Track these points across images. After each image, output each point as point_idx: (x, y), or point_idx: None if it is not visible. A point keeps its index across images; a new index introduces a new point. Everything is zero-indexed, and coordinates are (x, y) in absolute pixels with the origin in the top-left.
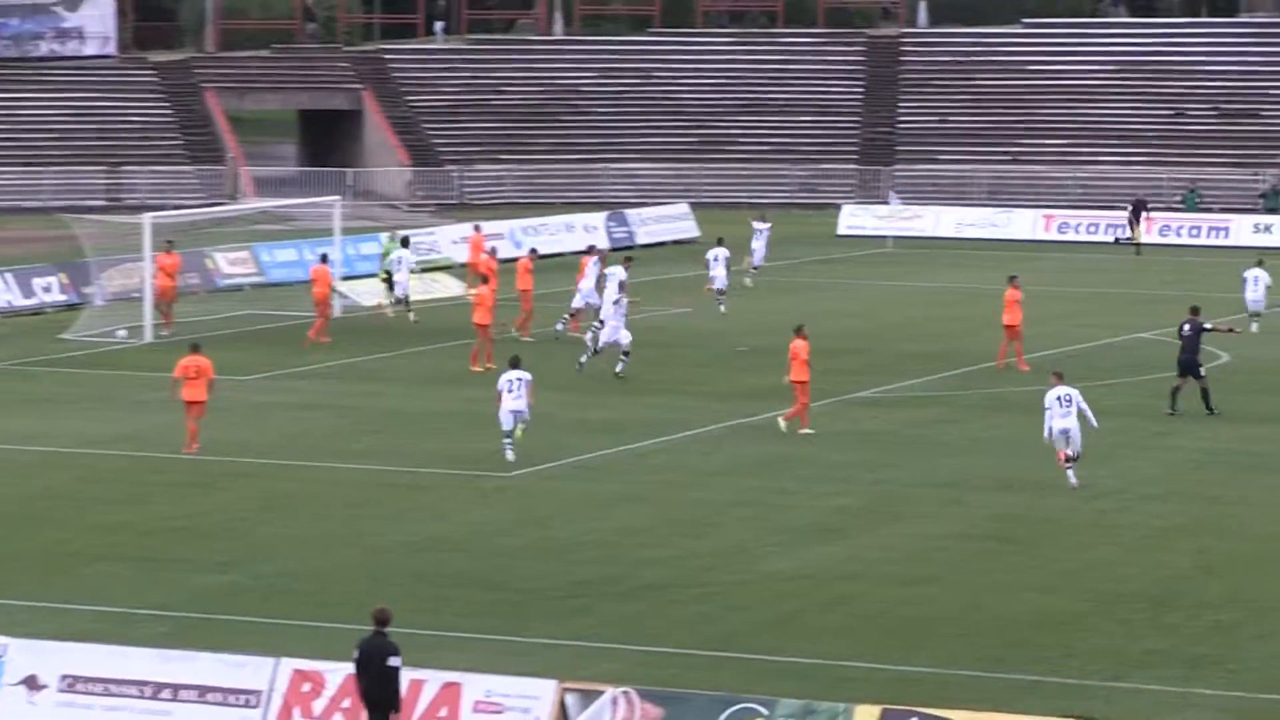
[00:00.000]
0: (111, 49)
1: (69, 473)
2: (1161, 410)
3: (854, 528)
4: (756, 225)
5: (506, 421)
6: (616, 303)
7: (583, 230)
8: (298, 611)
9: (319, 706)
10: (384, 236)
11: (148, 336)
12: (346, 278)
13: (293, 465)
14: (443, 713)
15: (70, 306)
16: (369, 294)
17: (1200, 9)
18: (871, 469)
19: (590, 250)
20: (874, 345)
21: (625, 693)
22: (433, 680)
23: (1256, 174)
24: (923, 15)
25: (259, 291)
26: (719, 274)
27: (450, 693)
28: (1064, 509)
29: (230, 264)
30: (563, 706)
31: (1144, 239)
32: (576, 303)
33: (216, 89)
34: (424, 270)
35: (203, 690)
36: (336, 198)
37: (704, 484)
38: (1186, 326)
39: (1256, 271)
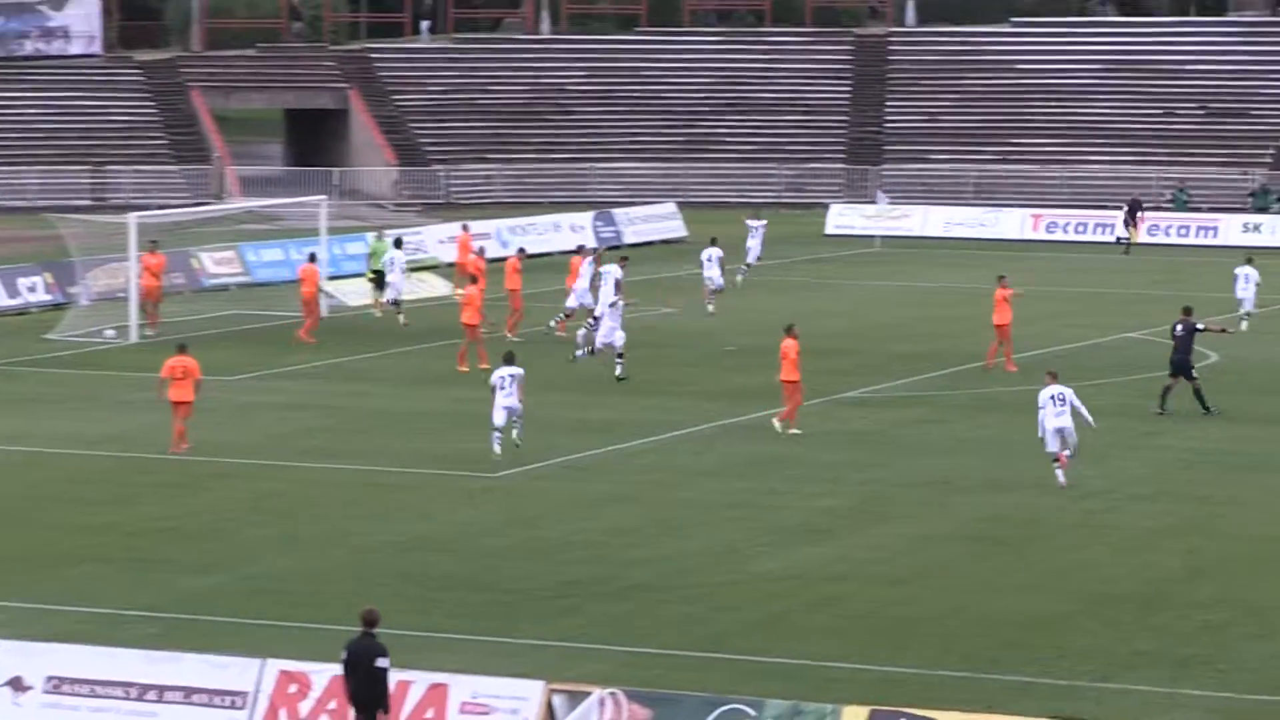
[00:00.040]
0: (97, 48)
1: (55, 473)
2: (1150, 410)
3: (842, 528)
4: (750, 223)
5: (499, 418)
6: (613, 305)
7: (570, 230)
8: (284, 612)
9: (305, 708)
10: (371, 236)
11: (133, 336)
12: (332, 278)
13: (279, 466)
14: (429, 714)
15: (55, 306)
16: (355, 294)
17: (1189, 8)
18: (860, 469)
19: (580, 250)
20: (862, 345)
21: (613, 693)
22: (419, 681)
23: (1245, 173)
24: (910, 14)
25: (244, 291)
26: (713, 274)
27: (437, 694)
28: (1053, 509)
29: (216, 264)
30: (550, 707)
31: (1137, 239)
32: (571, 303)
33: (202, 88)
34: (411, 270)
35: (188, 691)
36: (322, 197)
37: (692, 484)
38: (1179, 327)
39: (1247, 269)
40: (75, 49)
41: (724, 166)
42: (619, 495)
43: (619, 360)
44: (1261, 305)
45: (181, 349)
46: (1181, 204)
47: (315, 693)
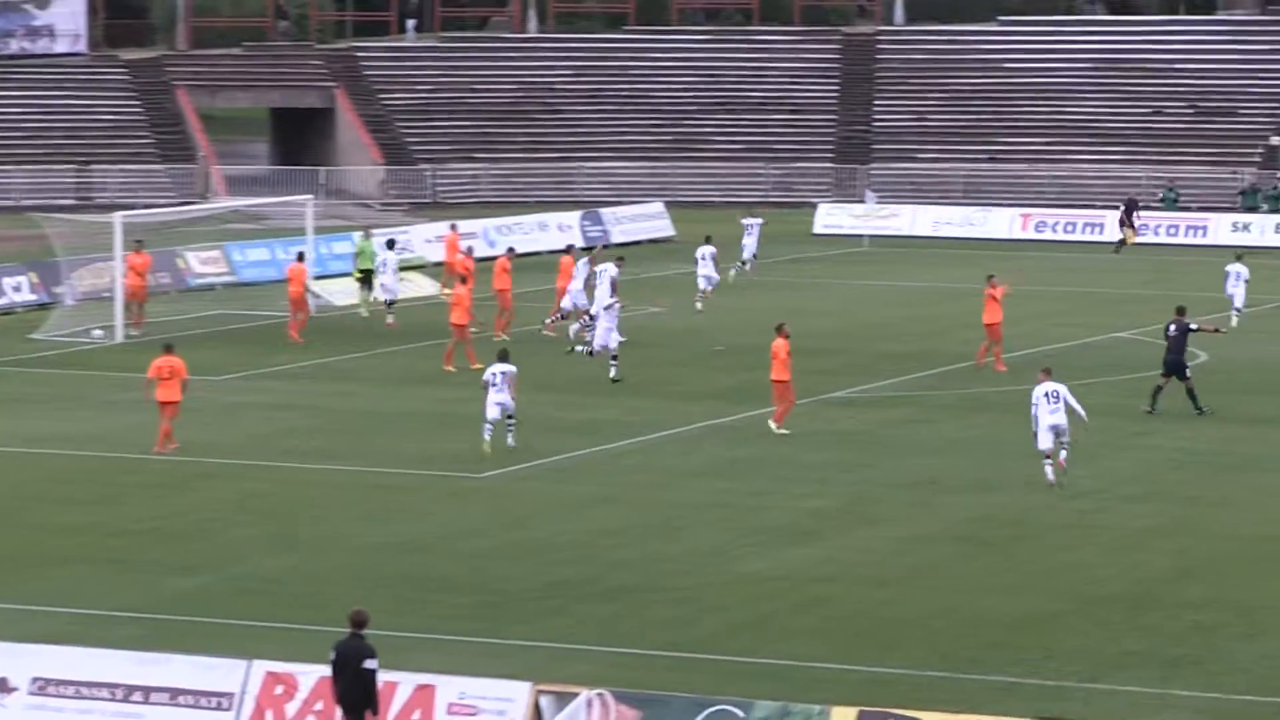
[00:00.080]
0: (82, 46)
1: (40, 473)
2: (1140, 409)
3: (830, 529)
4: (746, 221)
5: (492, 412)
6: (608, 307)
7: (557, 229)
8: (271, 613)
9: (292, 709)
10: (357, 235)
11: (119, 336)
12: (319, 277)
13: (265, 466)
14: (416, 715)
15: (41, 306)
16: (342, 294)
17: (1178, 7)
18: (848, 470)
19: (569, 249)
20: (850, 345)
21: (600, 695)
22: (406, 682)
23: (1235, 172)
24: (899, 13)
25: (230, 291)
26: (709, 272)
27: (424, 695)
28: (1042, 509)
29: (202, 263)
30: (537, 709)
31: (1123, 239)
32: (566, 304)
33: (188, 87)
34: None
35: (174, 693)
36: (309, 197)
37: (680, 485)
38: (1172, 327)
39: (1238, 266)
40: (60, 47)
41: (712, 166)
42: (606, 496)
43: (613, 362)
44: (1250, 305)
45: (168, 349)
46: (1170, 203)
47: (302, 694)
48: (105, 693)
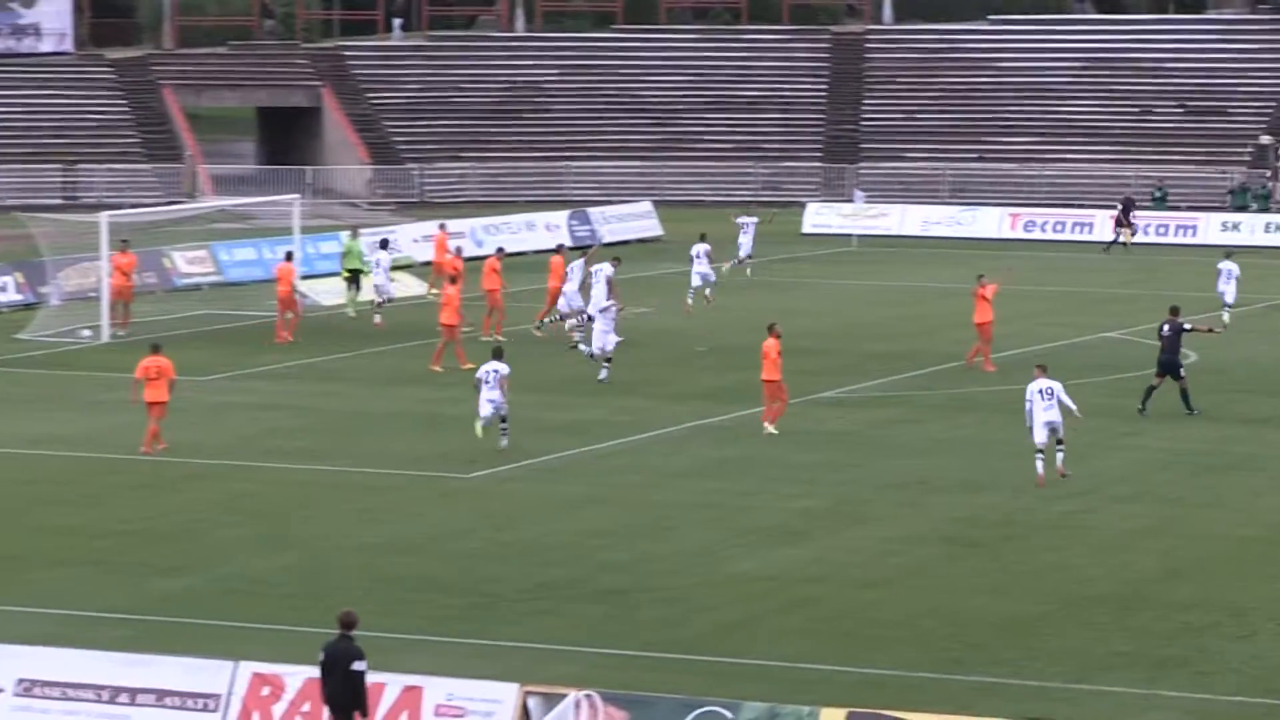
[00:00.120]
0: (68, 45)
1: (25, 474)
2: (1137, 409)
3: (818, 529)
4: (741, 220)
5: (484, 409)
6: (604, 310)
7: (545, 229)
8: (257, 614)
9: (278, 710)
10: (345, 235)
11: (105, 336)
12: (306, 277)
13: (252, 466)
14: (404, 716)
15: (26, 306)
16: (329, 293)
17: (1168, 6)
18: (836, 470)
19: (560, 249)
20: (839, 345)
21: (588, 696)
22: (393, 684)
23: (1224, 172)
24: (888, 11)
25: (217, 291)
26: (703, 270)
27: (411, 696)
28: (1030, 510)
29: (188, 263)
30: (525, 710)
31: (1122, 239)
32: (562, 306)
33: (174, 86)
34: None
35: (161, 694)
36: (296, 196)
37: (667, 485)
38: (1166, 327)
39: (1229, 264)
40: (46, 46)
41: (700, 165)
42: (595, 497)
43: (605, 365)
44: (1241, 304)
45: (155, 349)
46: (1160, 202)
47: (288, 695)
48: (91, 694)
